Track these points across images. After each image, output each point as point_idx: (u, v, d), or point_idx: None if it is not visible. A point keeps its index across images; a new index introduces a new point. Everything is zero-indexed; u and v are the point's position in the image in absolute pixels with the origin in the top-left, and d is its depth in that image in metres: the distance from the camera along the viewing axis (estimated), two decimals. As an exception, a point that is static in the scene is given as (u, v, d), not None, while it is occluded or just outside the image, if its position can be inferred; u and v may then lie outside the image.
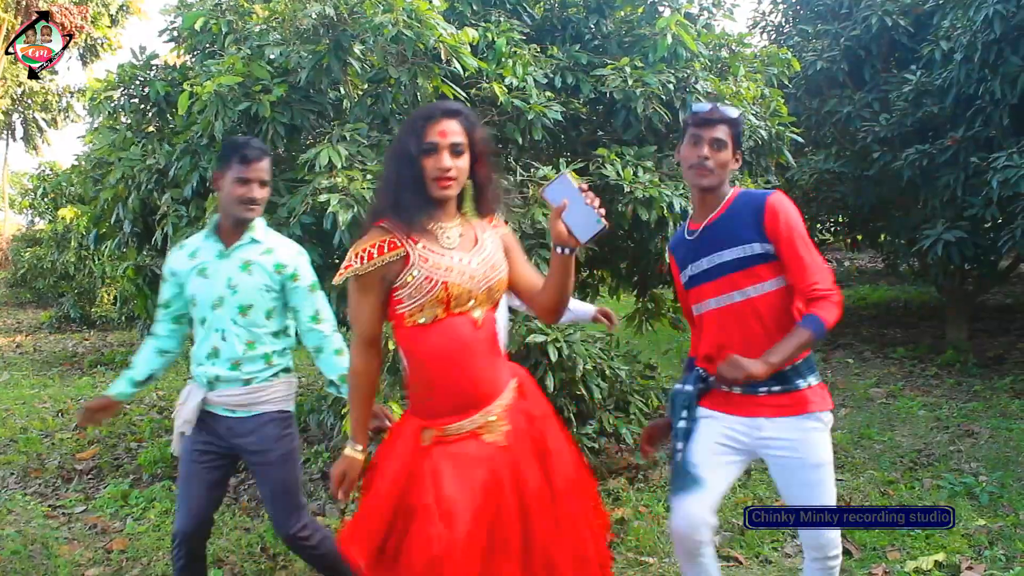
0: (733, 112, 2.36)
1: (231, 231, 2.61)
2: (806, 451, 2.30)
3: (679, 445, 2.42)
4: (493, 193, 2.10)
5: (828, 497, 2.32)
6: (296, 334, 2.73)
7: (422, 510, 1.92)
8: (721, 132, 2.31)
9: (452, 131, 1.96)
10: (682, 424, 2.43)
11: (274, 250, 2.63)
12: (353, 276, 1.97)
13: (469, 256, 2.02)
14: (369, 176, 3.52)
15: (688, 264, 2.41)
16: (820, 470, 2.31)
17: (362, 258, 1.95)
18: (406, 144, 1.96)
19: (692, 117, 2.37)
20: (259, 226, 2.65)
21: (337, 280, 2.01)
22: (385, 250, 1.95)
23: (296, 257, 2.65)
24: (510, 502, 1.99)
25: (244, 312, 2.58)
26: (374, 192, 2.02)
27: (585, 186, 1.90)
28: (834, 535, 2.35)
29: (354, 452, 2.11)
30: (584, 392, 4.07)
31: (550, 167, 3.94)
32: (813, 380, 2.34)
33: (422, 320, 1.98)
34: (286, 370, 2.70)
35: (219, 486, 2.70)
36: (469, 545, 1.89)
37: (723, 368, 2.16)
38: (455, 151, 1.96)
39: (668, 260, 2.58)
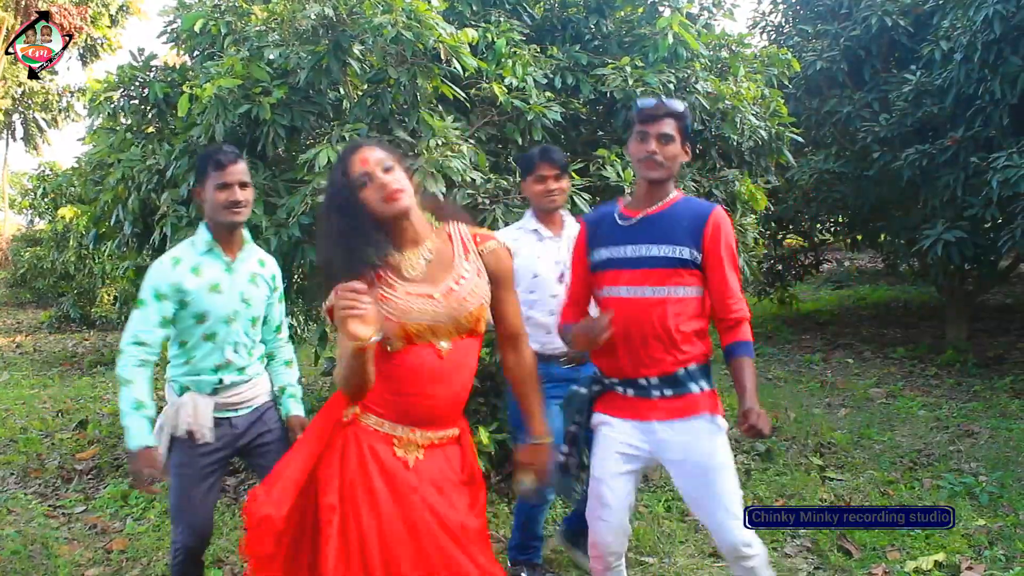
0: (679, 106, 2.38)
1: (227, 241, 2.59)
2: (700, 452, 2.30)
3: (565, 448, 2.47)
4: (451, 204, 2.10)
5: (728, 498, 2.30)
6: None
7: (325, 483, 1.95)
8: (668, 127, 2.33)
9: (375, 158, 1.93)
10: (572, 428, 2.47)
11: (265, 263, 2.70)
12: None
13: (434, 289, 1.96)
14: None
15: (609, 246, 2.38)
16: (715, 473, 2.30)
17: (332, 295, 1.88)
18: (339, 188, 1.94)
19: (638, 113, 2.39)
20: (247, 235, 2.69)
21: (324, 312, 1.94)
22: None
23: (276, 268, 2.76)
24: (409, 522, 1.93)
25: (255, 324, 2.65)
26: (318, 254, 2.03)
27: None
28: (741, 536, 2.29)
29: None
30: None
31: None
32: (706, 386, 2.35)
33: (389, 348, 1.94)
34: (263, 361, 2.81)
35: (216, 492, 2.72)
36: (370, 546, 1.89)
37: (757, 421, 2.16)
38: (386, 168, 1.93)
39: (578, 236, 2.54)
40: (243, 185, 2.55)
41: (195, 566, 2.65)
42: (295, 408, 2.75)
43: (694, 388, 2.34)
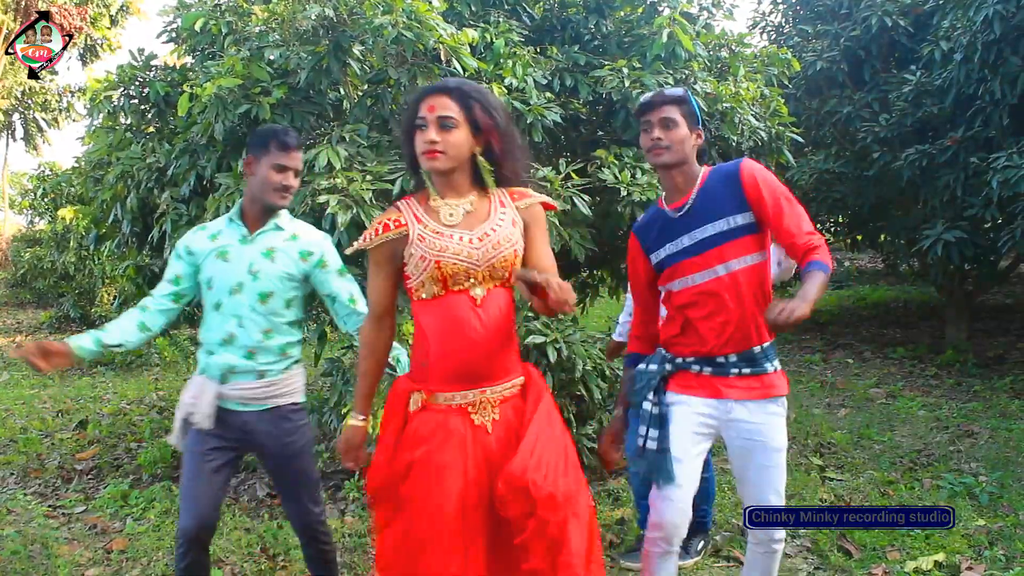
0: (678, 91, 2.41)
1: (257, 218, 2.58)
2: (769, 435, 2.34)
3: (648, 431, 2.40)
4: (511, 167, 2.11)
5: (781, 481, 2.39)
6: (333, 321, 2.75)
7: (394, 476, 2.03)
8: (668, 112, 2.35)
9: (441, 105, 1.98)
10: (649, 407, 2.41)
11: (299, 236, 2.60)
12: (367, 251, 2.06)
13: (471, 234, 2.02)
14: (369, 177, 3.53)
15: (665, 243, 2.40)
16: (778, 455, 2.36)
17: (369, 235, 2.04)
18: (405, 123, 2.07)
19: (637, 108, 2.45)
20: (284, 214, 2.63)
21: (349, 251, 2.13)
22: (391, 228, 2.03)
23: (322, 243, 2.63)
24: (479, 490, 1.99)
25: (264, 299, 2.54)
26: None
27: None
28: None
29: (356, 421, 2.19)
30: (584, 392, 4.07)
31: (550, 168, 3.94)
32: (778, 365, 2.40)
33: (424, 295, 2.03)
34: (297, 362, 2.68)
35: (225, 483, 2.64)
36: (438, 530, 1.94)
37: (773, 310, 2.04)
38: (443, 125, 1.98)
39: (631, 246, 2.54)
40: (297, 173, 2.57)
41: (199, 556, 2.56)
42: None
43: (768, 367, 2.36)
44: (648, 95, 2.44)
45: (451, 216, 2.05)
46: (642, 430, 2.41)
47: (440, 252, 1.99)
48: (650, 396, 2.42)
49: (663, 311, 2.52)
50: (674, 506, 2.33)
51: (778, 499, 2.38)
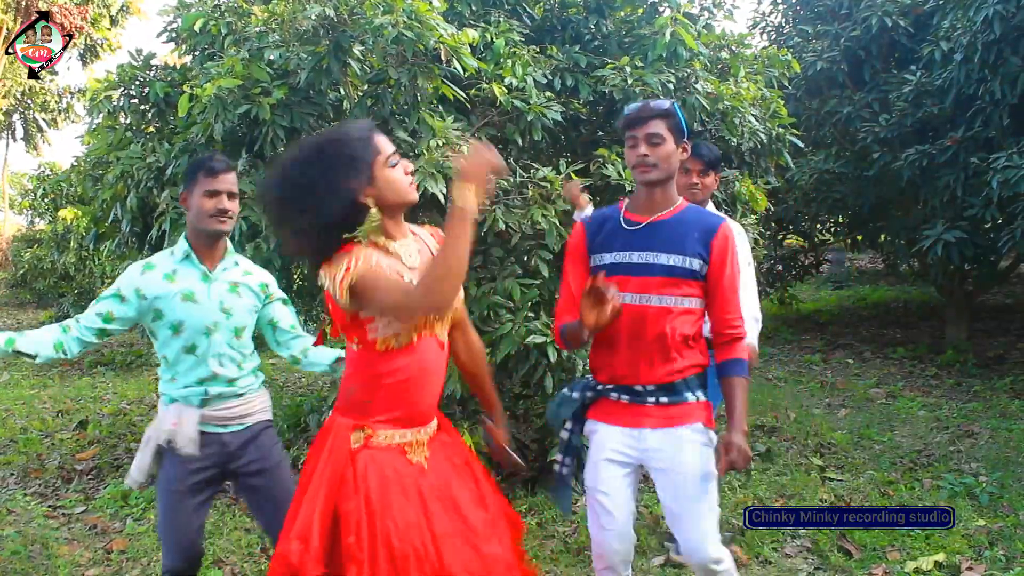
0: (664, 104, 2.33)
1: (206, 251, 2.54)
2: (686, 462, 2.27)
3: (563, 458, 2.43)
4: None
5: (707, 515, 2.29)
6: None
7: (344, 517, 1.87)
8: (655, 127, 2.29)
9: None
10: (565, 435, 2.42)
11: (251, 271, 2.66)
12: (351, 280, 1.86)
13: None
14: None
15: (613, 251, 2.34)
16: (699, 485, 2.27)
17: (349, 268, 1.85)
18: (358, 152, 1.89)
19: (623, 120, 2.36)
20: (230, 246, 2.62)
21: (345, 301, 1.85)
22: (360, 261, 1.87)
23: (268, 276, 2.72)
24: (436, 522, 1.92)
25: (239, 334, 2.55)
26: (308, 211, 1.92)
27: None
28: (715, 553, 2.28)
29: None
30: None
31: (550, 168, 3.94)
32: (701, 396, 2.34)
33: (394, 345, 1.93)
34: (264, 382, 2.72)
35: (204, 513, 2.60)
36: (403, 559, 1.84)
37: (736, 458, 2.15)
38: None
39: (574, 237, 2.47)
40: (231, 195, 2.50)
41: None
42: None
43: (690, 397, 2.32)
44: (634, 107, 2.36)
45: (410, 258, 1.98)
46: (558, 456, 2.43)
47: None
48: (567, 424, 2.42)
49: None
50: (612, 535, 2.33)
51: (706, 536, 2.27)
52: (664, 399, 2.30)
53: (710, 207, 3.31)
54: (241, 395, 2.58)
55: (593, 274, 2.35)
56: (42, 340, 2.42)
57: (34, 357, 2.40)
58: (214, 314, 2.50)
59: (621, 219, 2.37)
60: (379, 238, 1.94)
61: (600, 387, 2.39)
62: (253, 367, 2.64)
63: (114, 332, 2.53)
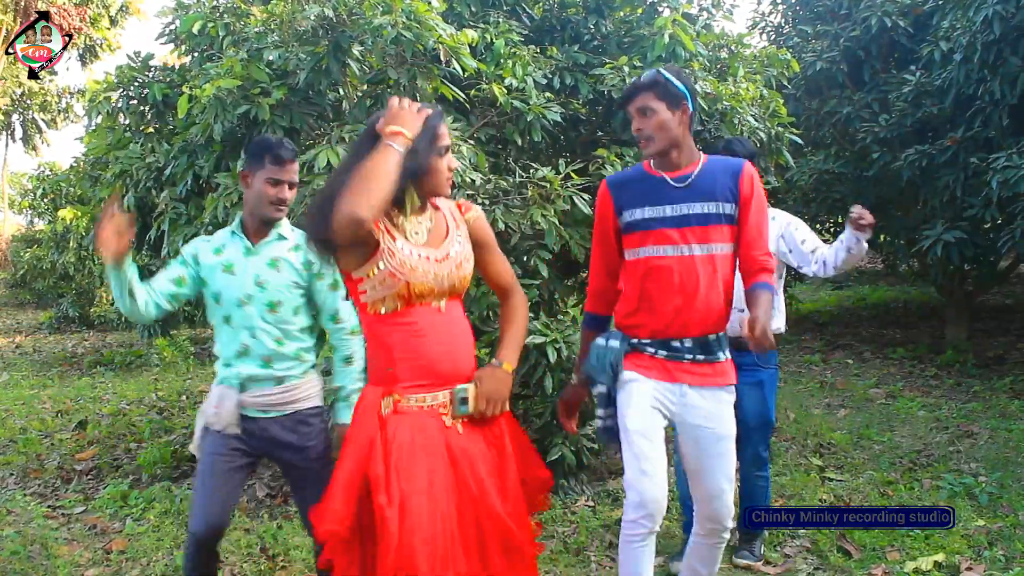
0: (649, 75, 2.38)
1: (257, 229, 2.60)
2: (720, 422, 2.37)
3: (604, 411, 2.45)
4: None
5: (731, 468, 2.40)
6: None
7: (374, 482, 1.92)
8: (643, 100, 2.34)
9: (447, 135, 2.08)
10: (603, 388, 2.42)
11: (302, 246, 2.59)
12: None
13: (436, 253, 2.05)
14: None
15: (646, 205, 2.38)
16: (730, 442, 2.39)
17: None
18: (425, 139, 1.99)
19: (617, 103, 2.49)
20: (285, 223, 2.64)
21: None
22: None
23: None
24: (465, 489, 1.99)
25: (273, 308, 2.55)
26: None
27: None
28: (731, 507, 2.40)
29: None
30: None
31: (549, 168, 3.94)
32: (729, 355, 2.44)
33: (382, 310, 2.02)
34: (314, 367, 2.70)
35: (238, 488, 2.66)
36: (428, 532, 1.88)
37: (758, 337, 2.13)
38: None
39: (601, 200, 2.50)
40: (292, 185, 2.57)
41: (207, 558, 2.60)
42: (342, 416, 2.60)
43: (721, 356, 2.40)
44: (625, 88, 2.44)
45: (416, 235, 2.05)
46: (599, 411, 2.46)
47: (410, 272, 1.99)
48: (607, 376, 2.40)
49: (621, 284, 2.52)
50: (654, 481, 2.28)
51: (729, 485, 2.40)
52: (700, 356, 2.36)
53: None
54: (282, 381, 2.58)
55: (625, 231, 2.42)
56: (144, 291, 2.51)
57: (133, 299, 2.47)
58: (247, 287, 2.54)
59: (648, 176, 2.42)
60: (399, 211, 2.03)
61: (635, 341, 2.41)
62: (296, 349, 2.60)
63: (183, 297, 2.61)
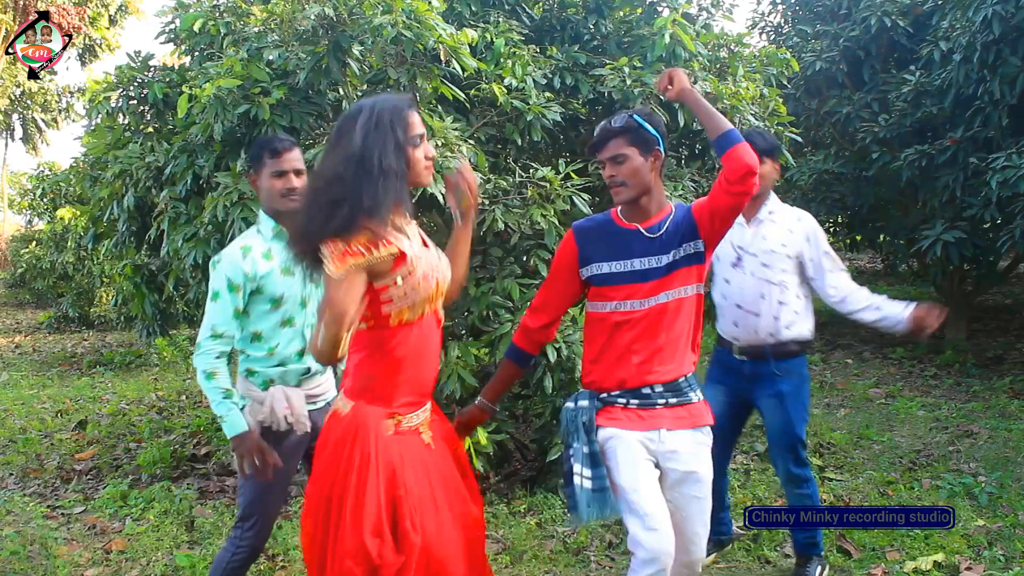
0: (619, 121, 2.32)
1: (289, 226, 2.53)
2: (698, 463, 2.33)
3: (583, 470, 2.30)
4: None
5: (707, 511, 2.37)
6: None
7: (398, 504, 1.93)
8: (615, 147, 2.29)
9: (420, 124, 2.00)
10: (581, 447, 2.32)
11: None
12: (353, 267, 1.85)
13: (436, 253, 2.07)
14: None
15: (612, 259, 2.34)
16: (706, 485, 2.35)
17: (359, 252, 1.84)
18: (391, 135, 1.90)
19: (588, 148, 2.40)
20: None
21: (337, 270, 1.83)
22: (379, 247, 1.87)
23: None
24: (440, 504, 2.03)
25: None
26: (335, 181, 1.89)
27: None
28: (703, 552, 2.39)
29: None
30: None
31: (549, 168, 3.94)
32: (701, 395, 2.40)
33: (408, 317, 1.96)
34: None
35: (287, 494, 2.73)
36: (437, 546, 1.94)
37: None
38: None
39: (565, 247, 2.44)
40: (298, 172, 2.56)
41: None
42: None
43: (693, 397, 2.37)
44: (594, 134, 2.37)
45: (414, 236, 2.03)
46: (576, 468, 2.31)
47: (435, 270, 1.99)
48: (579, 439, 2.33)
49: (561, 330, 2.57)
50: (660, 535, 2.21)
51: (704, 529, 2.37)
52: (673, 400, 2.33)
53: (772, 199, 3.18)
54: (323, 372, 2.65)
55: (591, 283, 2.38)
56: (228, 375, 2.49)
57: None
58: (307, 286, 2.55)
59: (616, 228, 2.38)
60: (396, 218, 1.96)
61: (605, 395, 2.37)
62: None
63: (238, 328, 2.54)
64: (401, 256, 1.91)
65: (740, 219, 3.10)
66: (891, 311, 2.95)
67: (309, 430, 2.54)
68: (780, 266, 3.07)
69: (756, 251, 3.09)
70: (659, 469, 2.34)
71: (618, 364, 2.33)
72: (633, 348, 2.30)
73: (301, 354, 2.57)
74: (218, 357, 2.45)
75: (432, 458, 2.05)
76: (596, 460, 2.30)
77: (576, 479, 2.30)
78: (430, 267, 1.98)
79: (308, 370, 2.59)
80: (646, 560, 2.21)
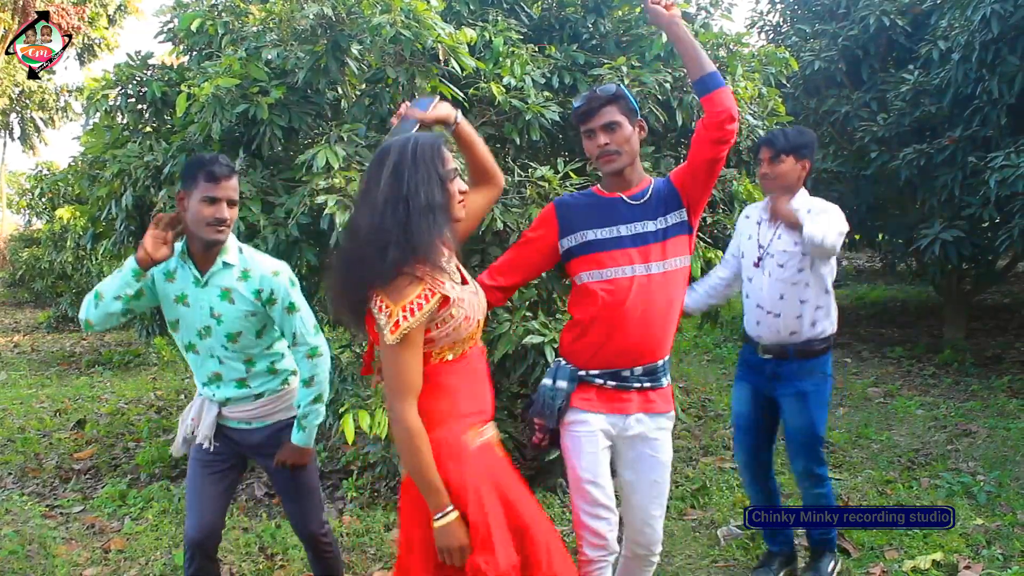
0: (610, 88, 2.33)
1: (202, 254, 2.45)
2: (657, 448, 2.36)
3: (549, 443, 2.43)
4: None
5: (664, 495, 2.40)
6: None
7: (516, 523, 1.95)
8: (609, 114, 2.29)
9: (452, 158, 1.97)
10: (552, 424, 2.39)
11: (250, 275, 2.47)
12: (413, 329, 1.82)
13: (473, 288, 2.03)
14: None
15: (595, 227, 2.33)
16: (664, 469, 2.38)
17: (412, 311, 1.81)
18: (435, 172, 1.86)
19: (574, 116, 2.37)
20: (231, 246, 2.49)
21: (394, 339, 1.80)
22: (430, 298, 1.84)
23: (271, 280, 2.48)
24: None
25: (233, 339, 2.49)
26: (378, 227, 1.82)
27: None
28: (660, 534, 2.41)
29: (453, 517, 1.88)
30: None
31: (548, 167, 3.94)
32: (669, 380, 2.43)
33: (450, 356, 1.95)
34: (293, 373, 2.67)
35: (228, 492, 2.68)
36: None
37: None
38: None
39: (543, 217, 2.45)
40: (231, 203, 2.40)
41: (205, 563, 2.61)
42: (294, 434, 2.57)
43: (663, 382, 2.38)
44: (582, 98, 2.34)
45: (454, 273, 1.98)
46: (537, 437, 2.43)
47: (477, 310, 1.99)
48: (551, 419, 2.37)
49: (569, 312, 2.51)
50: (611, 523, 2.33)
51: (660, 512, 2.40)
52: (648, 383, 2.34)
53: (801, 196, 3.11)
54: (261, 396, 2.59)
55: (567, 257, 2.38)
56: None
57: (111, 303, 2.40)
58: (204, 319, 2.47)
59: (598, 198, 2.40)
60: (439, 258, 1.89)
61: (584, 373, 2.37)
62: (268, 364, 2.58)
63: (138, 308, 2.48)
64: (445, 300, 1.88)
65: (763, 217, 3.11)
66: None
67: (206, 446, 2.57)
68: (796, 266, 3.01)
69: (773, 251, 3.06)
70: (617, 451, 2.39)
71: (604, 341, 2.31)
72: (620, 323, 2.28)
73: (211, 380, 2.54)
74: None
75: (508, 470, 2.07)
76: (557, 436, 2.42)
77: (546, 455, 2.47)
78: (471, 307, 1.96)
79: (227, 398, 2.56)
80: (592, 543, 2.34)
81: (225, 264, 2.46)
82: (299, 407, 2.56)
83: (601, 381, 2.34)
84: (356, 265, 1.85)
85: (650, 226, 2.30)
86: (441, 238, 1.86)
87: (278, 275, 2.49)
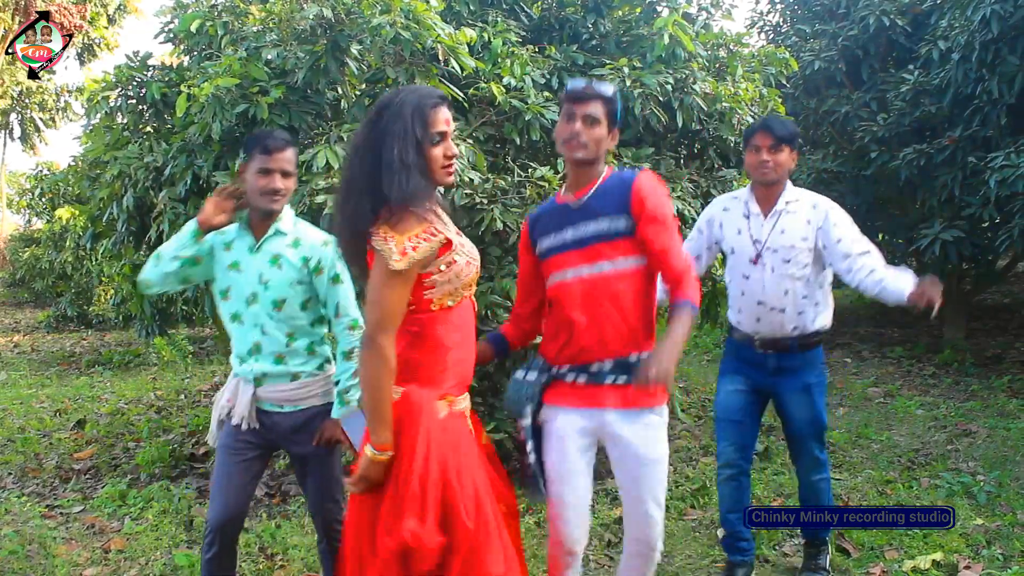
0: (608, 89, 2.36)
1: (259, 223, 2.59)
2: (646, 445, 2.32)
3: (531, 444, 2.40)
4: None
5: (661, 491, 2.37)
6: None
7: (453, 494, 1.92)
8: (594, 109, 2.31)
9: (451, 122, 2.00)
10: (528, 422, 2.39)
11: (301, 242, 2.59)
12: (417, 260, 1.88)
13: (465, 241, 2.08)
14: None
15: (550, 233, 2.38)
16: (656, 465, 2.34)
17: (416, 246, 1.87)
18: (411, 130, 1.90)
19: (566, 93, 2.39)
20: (286, 216, 2.62)
21: (401, 265, 1.86)
22: (431, 237, 1.90)
23: (320, 248, 2.59)
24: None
25: (278, 307, 2.56)
26: (361, 173, 1.91)
27: None
28: (661, 530, 2.40)
29: (383, 456, 1.91)
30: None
31: (547, 167, 3.94)
32: None
33: (449, 302, 1.99)
34: (328, 360, 2.71)
35: (256, 479, 2.71)
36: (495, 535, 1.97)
37: (649, 374, 2.04)
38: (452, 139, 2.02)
39: (522, 233, 2.54)
40: (285, 174, 2.54)
41: (225, 548, 2.61)
42: (335, 410, 2.60)
43: None
44: (580, 83, 2.39)
45: (450, 223, 2.05)
46: (529, 446, 2.40)
47: (472, 254, 2.03)
48: (529, 409, 2.39)
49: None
50: (570, 524, 2.35)
51: (658, 510, 2.37)
52: (622, 378, 2.30)
53: (789, 188, 3.12)
54: (296, 377, 2.61)
55: (541, 261, 2.44)
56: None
57: (169, 263, 2.58)
58: (253, 285, 2.56)
59: (553, 204, 2.45)
60: (431, 204, 1.95)
61: (555, 370, 2.39)
62: (307, 344, 2.62)
63: (192, 277, 2.66)
64: (447, 243, 1.94)
65: (757, 211, 3.06)
66: (891, 286, 2.89)
67: (246, 427, 2.59)
68: (802, 261, 2.99)
69: (776, 246, 3.00)
70: (604, 445, 2.39)
71: (567, 337, 2.33)
72: (581, 317, 2.30)
73: (250, 352, 2.59)
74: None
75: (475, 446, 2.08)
76: (539, 434, 2.41)
77: (531, 456, 2.39)
78: (472, 252, 2.03)
79: (264, 373, 2.58)
80: (555, 541, 2.38)
81: (278, 232, 2.59)
82: (338, 382, 2.61)
83: (572, 376, 2.36)
84: (341, 208, 1.98)
85: (591, 227, 2.32)
86: (424, 193, 1.91)
87: (327, 245, 2.60)
